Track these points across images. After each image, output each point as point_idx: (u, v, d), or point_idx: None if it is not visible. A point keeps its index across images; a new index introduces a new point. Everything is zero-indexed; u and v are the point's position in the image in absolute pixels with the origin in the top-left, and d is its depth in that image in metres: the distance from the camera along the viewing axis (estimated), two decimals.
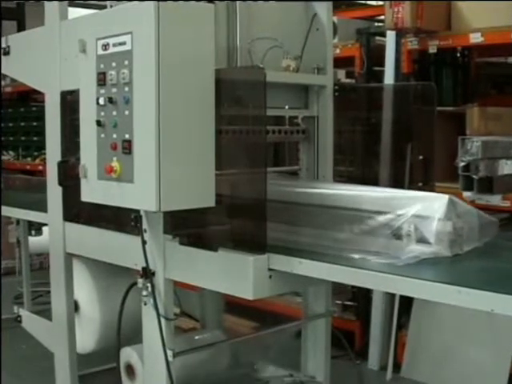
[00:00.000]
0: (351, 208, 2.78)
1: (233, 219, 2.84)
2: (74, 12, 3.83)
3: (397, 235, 2.55)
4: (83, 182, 2.95)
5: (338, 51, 5.05)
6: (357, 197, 2.84)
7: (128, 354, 3.39)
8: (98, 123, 2.82)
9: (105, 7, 3.26)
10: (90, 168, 2.91)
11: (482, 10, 4.49)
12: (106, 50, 2.79)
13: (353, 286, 4.87)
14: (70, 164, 3.47)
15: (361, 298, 5.21)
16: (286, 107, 3.38)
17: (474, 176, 4.02)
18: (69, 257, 3.67)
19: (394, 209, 2.60)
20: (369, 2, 6.93)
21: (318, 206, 2.92)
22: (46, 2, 3.64)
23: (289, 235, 2.85)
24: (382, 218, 2.60)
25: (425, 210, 2.54)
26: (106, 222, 3.33)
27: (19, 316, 4.42)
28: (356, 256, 2.54)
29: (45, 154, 3.87)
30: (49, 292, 3.88)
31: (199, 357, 3.46)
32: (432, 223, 2.48)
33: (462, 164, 4.05)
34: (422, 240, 2.51)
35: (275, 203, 2.89)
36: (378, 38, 5.32)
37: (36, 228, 5.48)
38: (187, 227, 2.96)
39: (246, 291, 2.67)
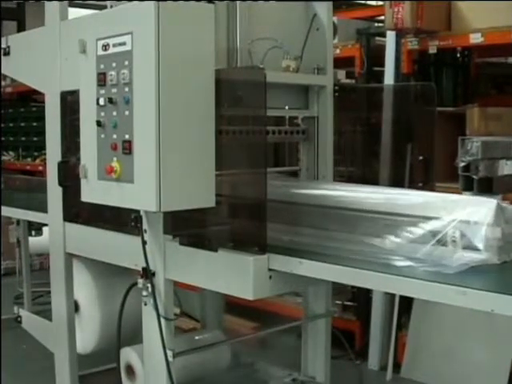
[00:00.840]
0: (390, 213, 2.63)
1: (233, 219, 2.84)
2: (74, 12, 3.84)
3: (441, 241, 2.41)
4: (83, 182, 2.95)
5: (338, 51, 5.05)
6: (396, 200, 2.69)
7: (128, 354, 3.39)
8: (98, 123, 2.82)
9: (105, 7, 3.26)
10: (90, 168, 2.91)
11: (482, 10, 4.49)
12: (106, 50, 2.79)
13: (353, 286, 4.87)
14: (70, 164, 3.47)
15: (361, 298, 5.21)
16: (286, 107, 3.38)
17: (474, 176, 4.02)
18: (69, 257, 3.67)
19: (436, 214, 2.47)
20: (369, 3, 6.94)
21: (354, 210, 2.76)
22: (46, 2, 3.64)
23: (326, 241, 2.74)
24: (425, 224, 2.47)
25: (471, 215, 2.39)
26: (106, 223, 3.33)
27: (19, 316, 4.42)
28: (401, 263, 2.41)
29: (45, 154, 3.87)
30: (49, 292, 3.88)
31: (199, 357, 3.46)
32: (481, 229, 2.35)
33: (461, 164, 4.05)
34: (468, 247, 2.38)
35: (307, 207, 2.86)
36: (378, 38, 5.33)
37: (36, 228, 5.49)
38: (187, 227, 2.96)
39: (246, 291, 2.67)
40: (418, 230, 2.49)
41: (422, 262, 2.39)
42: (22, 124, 8.09)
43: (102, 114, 2.82)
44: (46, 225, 4.20)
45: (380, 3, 5.80)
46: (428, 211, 2.52)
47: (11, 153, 8.28)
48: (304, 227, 2.90)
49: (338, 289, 4.80)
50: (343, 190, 3.00)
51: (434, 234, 2.43)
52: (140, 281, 3.00)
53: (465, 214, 2.41)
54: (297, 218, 2.94)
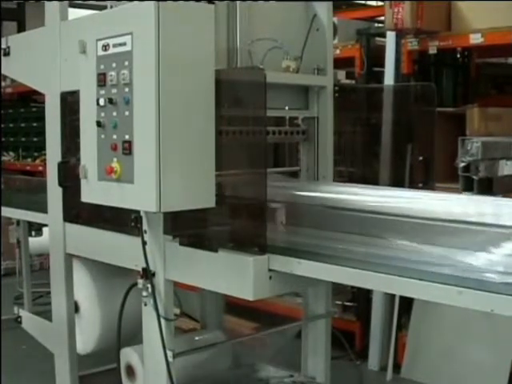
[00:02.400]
0: (461, 221, 2.46)
1: (233, 220, 2.84)
2: (75, 13, 3.84)
3: None
4: (83, 182, 2.95)
5: (338, 52, 5.05)
6: (481, 209, 2.50)
7: (128, 354, 3.39)
8: (98, 124, 2.82)
9: (105, 7, 3.26)
10: (90, 169, 2.91)
11: (482, 10, 4.50)
12: (106, 50, 2.79)
13: (353, 287, 4.87)
14: (71, 165, 3.47)
15: (361, 298, 5.21)
16: (286, 108, 3.38)
17: (474, 176, 4.03)
18: (69, 257, 3.67)
19: None
20: (369, 3, 6.94)
21: (434, 220, 2.55)
22: (46, 2, 3.64)
23: (401, 253, 2.52)
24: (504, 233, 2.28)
25: None
26: (106, 223, 3.33)
27: (19, 317, 4.42)
28: (499, 280, 2.13)
29: (45, 154, 3.87)
30: (49, 293, 3.88)
31: (199, 357, 3.46)
32: None
33: (462, 164, 4.06)
34: None
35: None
36: (378, 38, 5.33)
37: (36, 229, 5.47)
38: (187, 228, 2.96)
39: (246, 292, 2.67)
40: (499, 240, 2.30)
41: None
42: (22, 124, 8.09)
43: (102, 114, 2.82)
44: (46, 225, 4.20)
45: (380, 3, 5.80)
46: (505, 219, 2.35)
47: (11, 153, 8.28)
48: (369, 236, 2.73)
49: (338, 289, 4.79)
50: (406, 197, 2.80)
51: None
52: (140, 281, 3.00)
53: None
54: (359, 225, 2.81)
